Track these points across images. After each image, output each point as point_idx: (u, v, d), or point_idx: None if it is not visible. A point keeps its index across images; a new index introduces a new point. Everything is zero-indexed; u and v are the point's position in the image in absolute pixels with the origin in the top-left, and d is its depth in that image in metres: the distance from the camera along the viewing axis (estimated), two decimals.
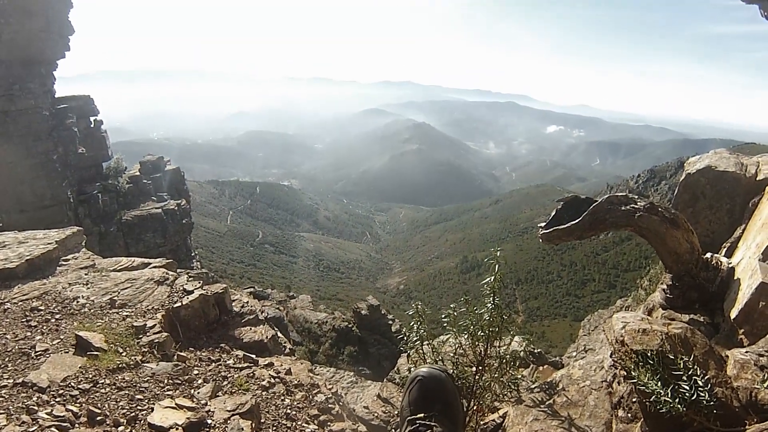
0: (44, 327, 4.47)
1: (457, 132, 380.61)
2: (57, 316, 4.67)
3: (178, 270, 5.82)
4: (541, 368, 6.83)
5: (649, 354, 2.82)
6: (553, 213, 4.38)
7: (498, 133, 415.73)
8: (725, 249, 5.84)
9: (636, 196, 4.48)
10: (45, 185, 21.11)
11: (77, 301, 4.94)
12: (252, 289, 31.75)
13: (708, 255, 5.10)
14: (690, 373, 2.66)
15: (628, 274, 76.70)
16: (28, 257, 5.51)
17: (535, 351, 8.54)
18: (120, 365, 3.94)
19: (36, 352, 4.03)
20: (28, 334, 4.33)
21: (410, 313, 4.17)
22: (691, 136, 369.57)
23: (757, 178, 6.12)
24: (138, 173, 26.33)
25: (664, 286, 4.91)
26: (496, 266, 3.67)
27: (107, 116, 28.62)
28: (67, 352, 4.05)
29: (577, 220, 4.14)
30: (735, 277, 4.61)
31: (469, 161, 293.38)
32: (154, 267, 5.51)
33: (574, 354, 12.93)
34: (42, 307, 4.80)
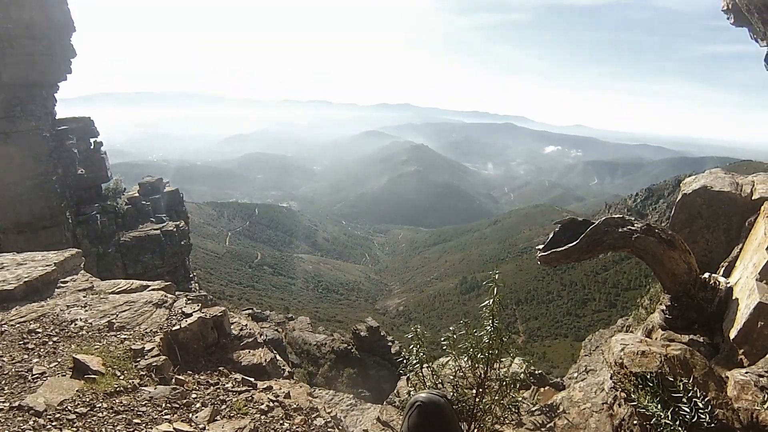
0: (41, 350, 4.45)
1: (455, 153, 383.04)
2: (54, 339, 4.64)
3: (177, 292, 5.81)
4: (542, 390, 6.76)
5: (648, 376, 2.82)
6: (551, 235, 4.41)
7: (496, 154, 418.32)
8: (723, 268, 5.86)
9: (633, 218, 4.52)
10: (44, 206, 21.15)
11: (75, 324, 4.92)
12: (250, 311, 31.54)
13: (706, 275, 5.12)
14: (690, 395, 2.66)
15: (628, 293, 76.33)
16: (26, 279, 5.51)
17: (536, 372, 8.47)
18: (117, 389, 3.91)
19: (33, 375, 4.00)
20: (25, 356, 4.31)
21: (409, 336, 4.16)
22: (688, 154, 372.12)
23: (753, 198, 6.17)
24: (137, 194, 26.40)
25: (663, 307, 4.92)
26: (495, 289, 3.68)
27: (107, 138, 28.84)
28: (65, 375, 4.03)
29: (574, 243, 4.17)
30: (733, 297, 4.62)
31: (467, 182, 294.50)
32: (153, 289, 5.50)
33: (576, 375, 12.80)
34: (39, 330, 4.78)
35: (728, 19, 9.22)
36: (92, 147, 25.62)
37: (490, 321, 3.74)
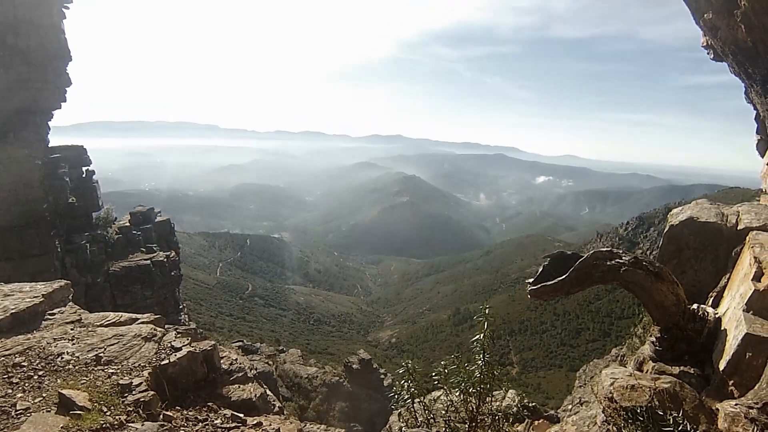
0: (26, 384, 4.36)
1: (447, 184, 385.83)
2: (40, 373, 4.56)
3: (167, 326, 5.74)
4: (536, 423, 6.68)
5: (638, 410, 2.82)
6: (540, 269, 4.45)
7: (487, 185, 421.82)
8: (712, 299, 5.91)
9: (620, 251, 4.58)
10: (33, 234, 20.91)
11: (62, 358, 4.84)
12: (241, 343, 31.03)
13: (695, 306, 5.17)
14: (680, 428, 2.66)
15: (622, 322, 76.10)
16: (13, 311, 5.43)
17: (530, 405, 8.37)
18: (104, 425, 3.83)
19: (17, 410, 3.92)
20: (9, 391, 4.22)
21: (401, 371, 4.14)
22: (677, 182, 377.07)
23: (738, 228, 6.30)
24: (128, 224, 26.20)
25: (653, 339, 4.94)
26: (485, 323, 3.69)
27: (100, 166, 28.83)
28: (50, 411, 3.94)
29: (563, 276, 4.21)
30: (722, 328, 4.66)
31: (459, 213, 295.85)
32: (142, 323, 5.44)
33: (570, 407, 12.64)
34: (25, 363, 4.69)
35: (708, 54, 9.58)
36: (84, 176, 25.54)
37: (481, 355, 3.73)
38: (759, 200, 8.73)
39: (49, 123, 23.74)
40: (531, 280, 4.37)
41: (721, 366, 4.05)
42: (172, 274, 25.74)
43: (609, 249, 4.46)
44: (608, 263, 4.28)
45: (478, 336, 3.76)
